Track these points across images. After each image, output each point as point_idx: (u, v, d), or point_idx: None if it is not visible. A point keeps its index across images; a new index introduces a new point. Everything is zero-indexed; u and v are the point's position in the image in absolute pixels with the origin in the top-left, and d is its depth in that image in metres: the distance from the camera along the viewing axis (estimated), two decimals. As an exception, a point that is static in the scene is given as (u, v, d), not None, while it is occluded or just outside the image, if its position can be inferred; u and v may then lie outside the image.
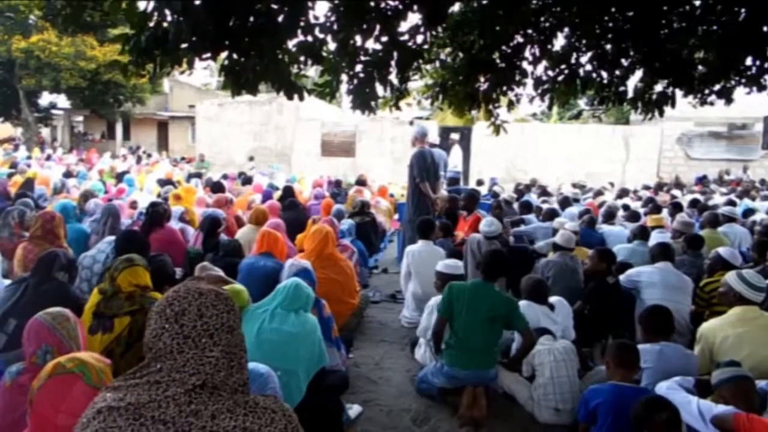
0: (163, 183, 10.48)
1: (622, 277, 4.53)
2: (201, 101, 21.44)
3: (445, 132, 17.68)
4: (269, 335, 2.98)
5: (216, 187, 9.68)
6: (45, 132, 30.01)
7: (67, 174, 12.02)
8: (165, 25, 2.52)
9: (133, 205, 7.49)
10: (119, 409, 1.11)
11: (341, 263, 4.60)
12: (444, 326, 3.63)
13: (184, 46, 2.58)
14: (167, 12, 2.44)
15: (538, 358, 3.51)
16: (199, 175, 13.18)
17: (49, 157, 17.81)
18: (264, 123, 19.02)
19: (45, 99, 27.53)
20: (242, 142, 19.15)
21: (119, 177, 12.00)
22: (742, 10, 4.08)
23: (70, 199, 6.71)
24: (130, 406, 1.11)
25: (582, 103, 26.75)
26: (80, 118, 31.63)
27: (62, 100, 27.68)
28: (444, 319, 3.62)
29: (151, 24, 2.57)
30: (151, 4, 2.51)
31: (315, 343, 3.12)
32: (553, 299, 4.03)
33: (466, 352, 3.49)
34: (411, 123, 17.65)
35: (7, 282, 3.62)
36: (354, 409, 3.43)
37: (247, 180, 12.30)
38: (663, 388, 2.88)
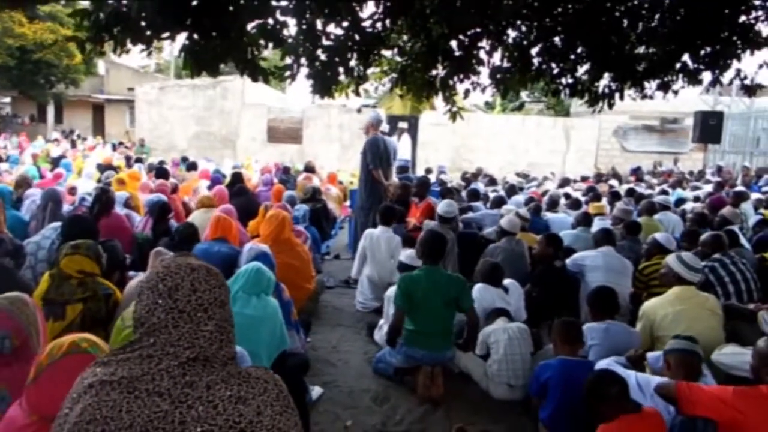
0: (103, 168, 10.08)
1: (568, 261, 4.74)
2: (139, 84, 20.63)
3: (392, 120, 17.75)
4: (231, 319, 2.96)
5: (160, 173, 9.40)
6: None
7: (-3, 158, 11.38)
8: (125, 1, 2.44)
9: (72, 191, 7.18)
10: (112, 383, 1.11)
11: (297, 248, 4.61)
12: (403, 319, 3.66)
13: (143, 24, 2.51)
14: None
15: (493, 336, 3.64)
16: (139, 161, 12.75)
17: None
18: (208, 107, 18.53)
19: (-33, 78, 25.71)
20: (185, 126, 18.60)
21: (55, 162, 11.45)
22: (681, 10, 4.34)
23: (5, 184, 6.37)
24: (123, 380, 1.11)
25: (524, 95, 27.47)
26: (7, 100, 29.72)
27: (-13, 80, 25.94)
28: (403, 312, 3.64)
29: (110, 0, 2.48)
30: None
31: (276, 326, 3.13)
32: (506, 282, 4.20)
33: (425, 335, 3.58)
34: (359, 111, 17.60)
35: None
36: (315, 391, 3.47)
37: (191, 165, 11.99)
38: (602, 365, 3.07)
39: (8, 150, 14.44)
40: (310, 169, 11.54)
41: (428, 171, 12.60)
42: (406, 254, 4.62)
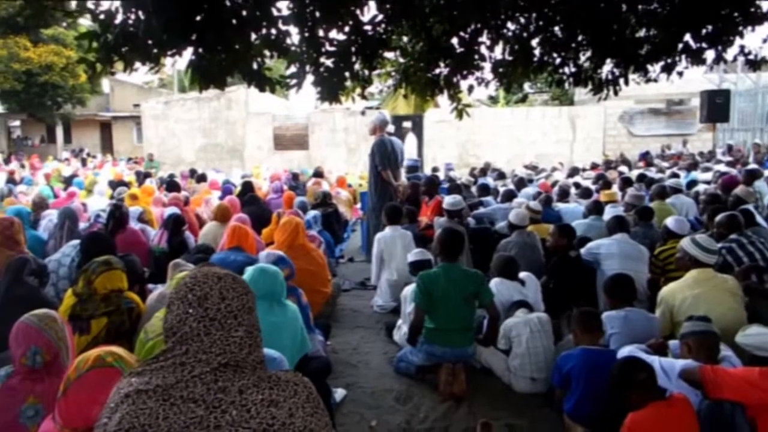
0: (114, 185, 10.19)
1: (583, 251, 4.73)
2: (144, 100, 20.85)
3: (397, 120, 17.77)
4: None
5: (171, 186, 9.50)
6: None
7: (11, 180, 11.55)
8: (131, 21, 2.49)
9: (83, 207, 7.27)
10: (147, 391, 1.15)
11: (312, 253, 4.64)
12: (423, 317, 3.67)
13: (151, 42, 2.55)
14: (136, 9, 2.41)
15: (515, 330, 3.64)
16: (148, 175, 12.88)
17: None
18: (213, 119, 18.67)
19: (-23, 105, 26.19)
20: (192, 139, 18.75)
21: (67, 181, 11.60)
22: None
23: (22, 205, 6.48)
24: (158, 388, 1.15)
25: (527, 86, 27.41)
26: (17, 123, 30.21)
27: (-4, 105, 26.39)
28: (423, 311, 3.65)
29: (117, 21, 2.53)
30: (117, 2, 2.47)
31: (297, 330, 3.16)
32: (522, 275, 4.20)
33: (446, 332, 3.60)
34: (363, 113, 17.62)
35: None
36: (338, 393, 3.50)
37: (201, 177, 12.11)
38: (624, 353, 3.07)
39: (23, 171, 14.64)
40: (318, 174, 11.59)
41: (435, 170, 12.61)
42: (413, 253, 4.67)
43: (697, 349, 2.71)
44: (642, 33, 4.96)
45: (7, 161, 19.11)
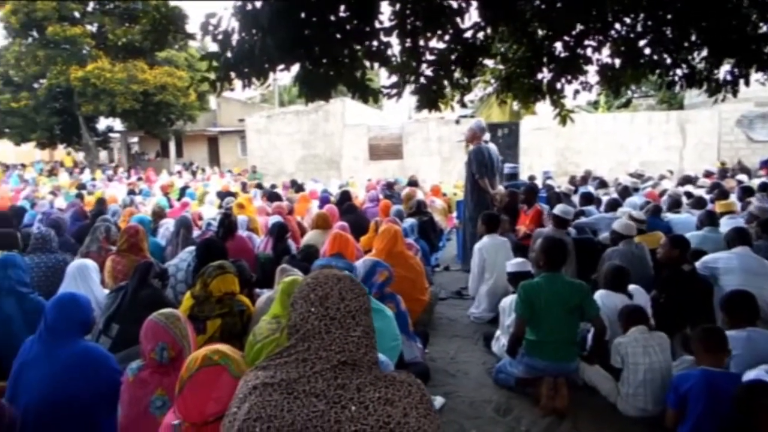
0: (222, 195, 10.85)
1: (698, 264, 4.41)
2: (248, 115, 22.03)
3: (492, 129, 17.52)
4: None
5: (272, 196, 9.98)
6: (102, 154, 31.52)
7: (131, 192, 12.63)
8: (246, 39, 2.67)
9: (200, 217, 7.81)
10: (273, 385, 1.22)
11: (411, 261, 4.68)
12: (524, 328, 3.58)
13: (264, 58, 2.72)
14: (252, 29, 2.58)
15: (632, 357, 3.39)
16: (258, 186, 13.57)
17: (110, 179, 18.77)
18: (312, 131, 19.38)
19: (102, 123, 28.92)
20: (292, 151, 19.56)
21: (180, 192, 12.52)
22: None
23: (143, 214, 7.07)
24: (282, 382, 1.22)
25: (631, 90, 26.08)
26: (135, 139, 33.08)
27: (118, 124, 29.04)
28: (524, 321, 3.57)
29: (234, 41, 2.72)
30: (234, 22, 2.66)
31: (393, 335, 3.20)
32: (630, 288, 3.99)
33: (547, 345, 3.50)
34: (457, 122, 17.59)
35: (106, 291, 3.87)
36: (437, 401, 3.49)
37: (298, 188, 12.60)
38: (751, 376, 2.82)
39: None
40: (413, 183, 11.67)
41: (531, 178, 12.28)
42: (512, 263, 4.57)
43: None
44: (766, 29, 4.58)
45: (127, 175, 20.95)
